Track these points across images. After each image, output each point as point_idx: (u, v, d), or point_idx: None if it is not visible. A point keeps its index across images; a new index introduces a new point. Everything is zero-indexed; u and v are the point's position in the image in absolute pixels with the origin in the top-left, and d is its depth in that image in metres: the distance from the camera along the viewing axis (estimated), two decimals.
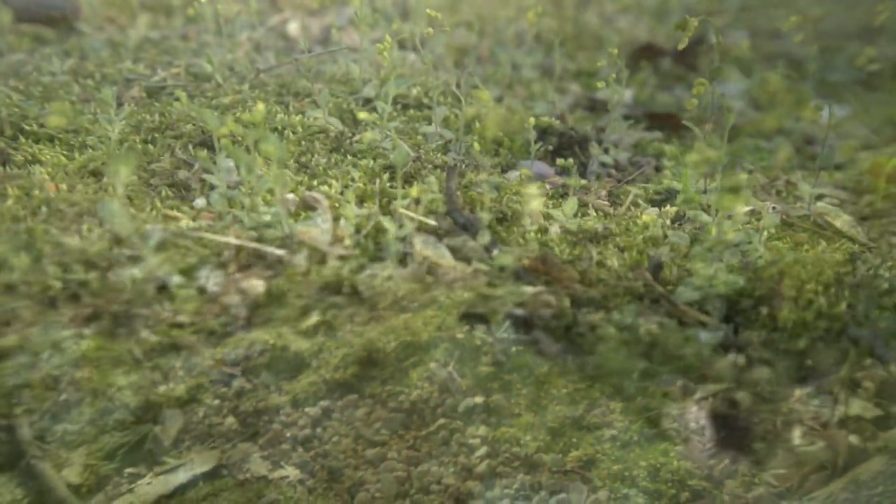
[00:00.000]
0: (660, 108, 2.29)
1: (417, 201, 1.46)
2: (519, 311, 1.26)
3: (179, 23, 2.39)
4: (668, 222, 1.58)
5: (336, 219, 1.46)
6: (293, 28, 2.50)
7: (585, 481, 1.04)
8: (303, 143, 1.67)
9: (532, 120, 1.59)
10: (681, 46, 1.55)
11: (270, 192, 1.46)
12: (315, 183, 1.56)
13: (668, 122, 2.17)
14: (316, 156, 1.63)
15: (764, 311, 1.30)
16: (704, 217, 1.57)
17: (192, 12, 1.92)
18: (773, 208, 1.66)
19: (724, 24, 3.36)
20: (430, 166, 1.61)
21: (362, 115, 1.40)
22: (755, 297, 1.33)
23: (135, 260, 1.21)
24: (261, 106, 1.33)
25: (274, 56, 2.16)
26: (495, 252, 1.35)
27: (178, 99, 1.48)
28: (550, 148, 1.86)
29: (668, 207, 1.64)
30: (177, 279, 1.18)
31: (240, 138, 1.54)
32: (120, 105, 1.78)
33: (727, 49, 2.87)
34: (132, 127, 1.64)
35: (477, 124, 1.82)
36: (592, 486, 1.04)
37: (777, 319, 1.28)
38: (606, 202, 1.69)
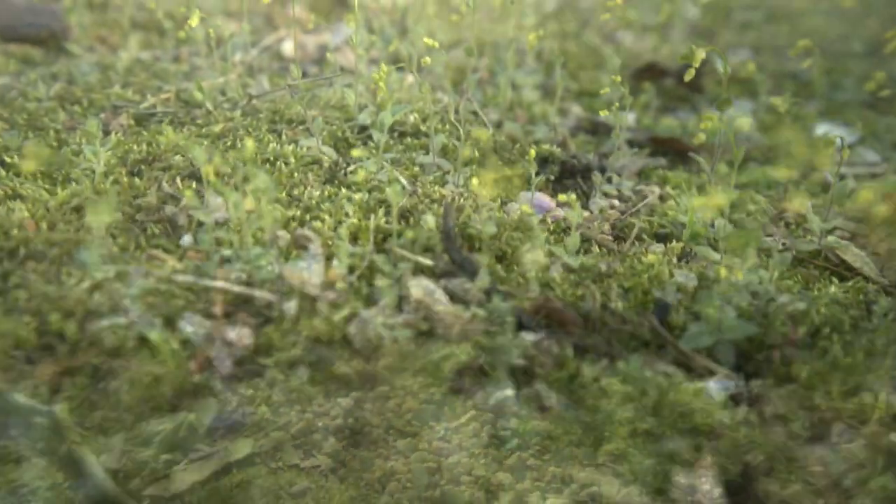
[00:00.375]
0: (664, 132, 2.24)
1: (414, 241, 1.40)
2: (519, 361, 1.21)
3: (172, 43, 2.33)
4: (674, 259, 1.52)
5: (329, 257, 1.40)
6: (288, 48, 2.45)
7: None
8: (295, 174, 1.61)
9: (532, 151, 1.54)
10: (687, 78, 1.49)
11: (261, 229, 1.40)
12: (308, 217, 1.50)
13: (672, 147, 2.11)
14: (309, 188, 1.58)
15: (777, 359, 1.24)
16: (712, 255, 1.51)
17: (183, 35, 1.87)
18: (784, 244, 1.60)
19: (727, 40, 3.30)
20: (427, 200, 1.55)
21: (356, 152, 1.34)
22: (767, 344, 1.27)
23: (115, 308, 1.15)
24: (250, 143, 1.27)
25: (268, 79, 2.10)
26: (494, 296, 1.29)
27: (164, 132, 1.42)
28: (552, 177, 1.80)
29: (674, 243, 1.58)
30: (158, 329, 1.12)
31: (230, 170, 1.49)
32: (107, 133, 1.72)
33: (732, 69, 2.82)
34: (118, 158, 1.58)
35: (476, 153, 1.77)
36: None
37: (791, 369, 1.22)
38: (610, 236, 1.63)
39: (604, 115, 1.73)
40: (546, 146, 1.84)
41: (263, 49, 2.38)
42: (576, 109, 2.45)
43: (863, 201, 1.19)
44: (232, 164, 1.29)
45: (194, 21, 1.81)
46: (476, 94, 2.31)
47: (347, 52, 2.36)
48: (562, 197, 1.47)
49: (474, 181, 1.42)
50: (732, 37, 3.43)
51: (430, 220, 1.43)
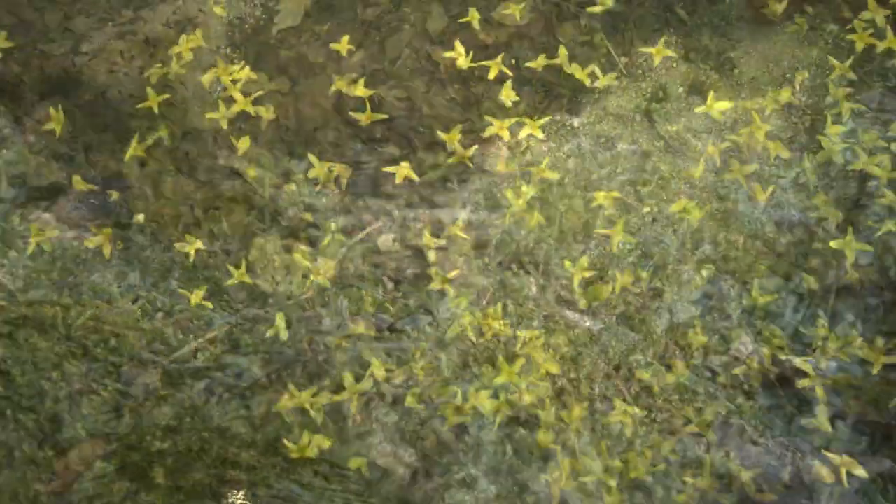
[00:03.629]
0: (884, 397, 1.60)
1: None
2: None
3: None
4: None
5: None
6: (385, 241, 2.02)
7: None
8: None
9: None
10: None
11: None
12: None
13: None
14: None
15: None
16: None
17: (234, 283, 1.45)
18: None
19: None
20: None
21: None
22: None
23: None
24: None
25: (349, 305, 1.66)
26: None
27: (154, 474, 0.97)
28: None
29: None
30: None
31: None
32: (126, 397, 1.32)
33: None
34: (118, 461, 1.15)
35: None
36: None
37: None
38: None
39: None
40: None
41: (355, 245, 1.97)
42: (746, 341, 1.86)
43: None
44: None
45: (242, 276, 1.41)
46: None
47: (449, 258, 1.90)
48: None
49: None
50: None
51: None
